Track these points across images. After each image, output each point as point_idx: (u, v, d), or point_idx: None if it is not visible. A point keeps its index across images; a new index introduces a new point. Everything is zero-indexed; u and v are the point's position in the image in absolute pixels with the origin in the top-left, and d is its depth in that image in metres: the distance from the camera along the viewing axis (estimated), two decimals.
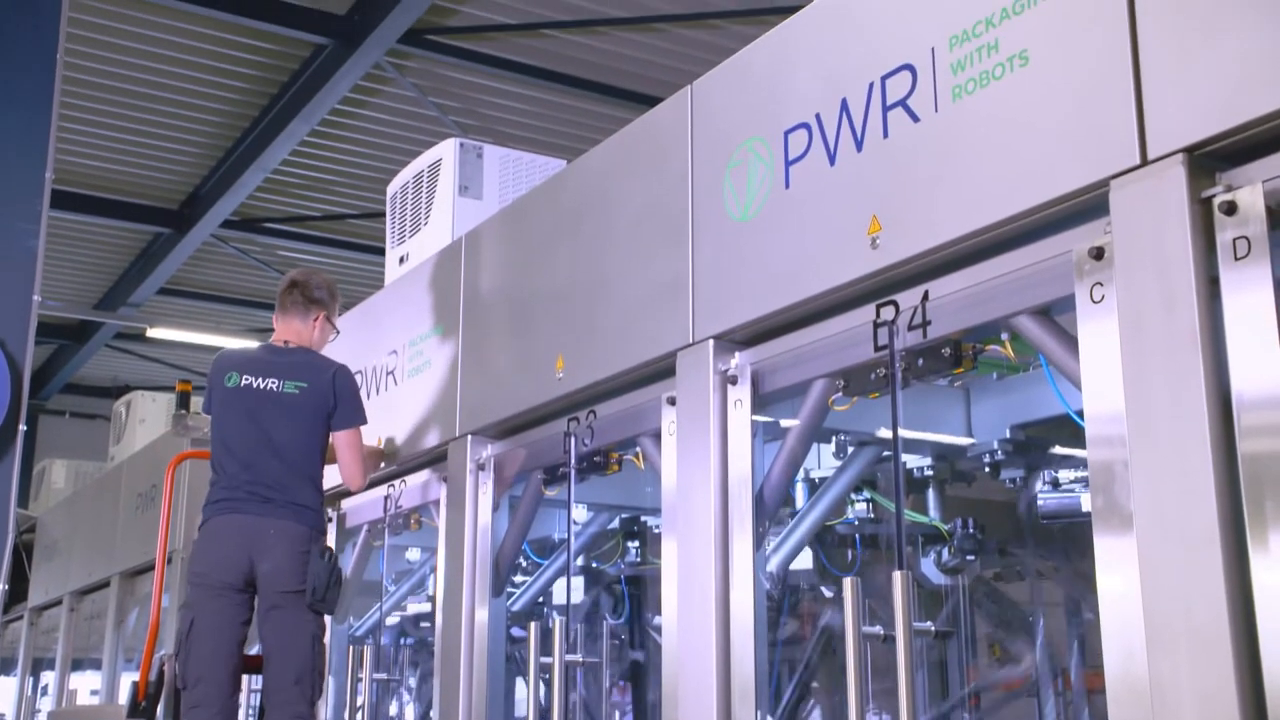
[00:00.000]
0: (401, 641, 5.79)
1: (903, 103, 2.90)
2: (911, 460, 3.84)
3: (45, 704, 11.02)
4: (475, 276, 4.77)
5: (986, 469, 3.71)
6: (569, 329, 4.08)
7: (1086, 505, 3.13)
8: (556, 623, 4.00)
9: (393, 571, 5.70)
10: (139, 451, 9.60)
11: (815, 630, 3.94)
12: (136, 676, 5.15)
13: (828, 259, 3.07)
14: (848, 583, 2.93)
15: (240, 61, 9.39)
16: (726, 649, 3.27)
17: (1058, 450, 3.61)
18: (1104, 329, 2.44)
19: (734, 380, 3.39)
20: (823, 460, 3.91)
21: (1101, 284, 2.46)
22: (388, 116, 10.22)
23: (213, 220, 11.51)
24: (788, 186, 3.21)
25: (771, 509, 3.41)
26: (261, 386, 4.57)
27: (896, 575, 2.80)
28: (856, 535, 3.88)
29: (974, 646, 3.96)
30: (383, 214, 6.17)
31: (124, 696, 6.51)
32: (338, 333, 4.96)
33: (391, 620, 5.66)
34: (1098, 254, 2.47)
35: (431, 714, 4.74)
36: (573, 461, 4.14)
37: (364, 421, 4.71)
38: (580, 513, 4.79)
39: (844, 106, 3.06)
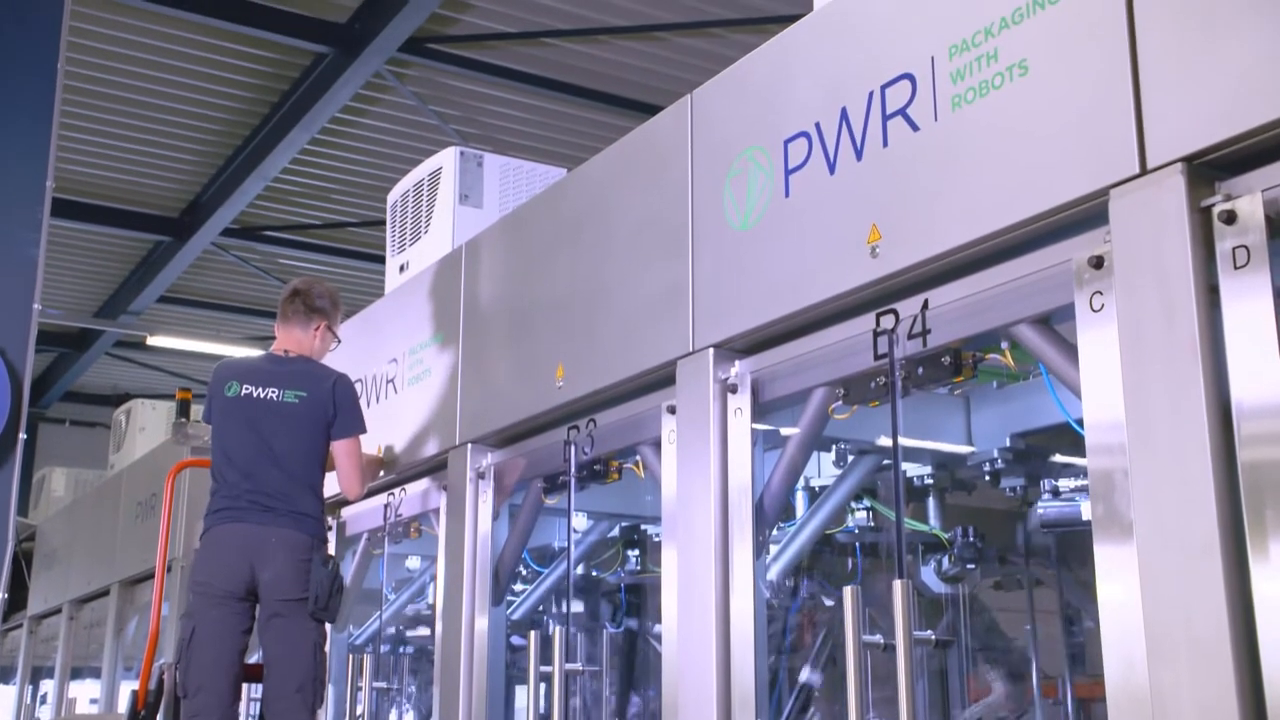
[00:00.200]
0: (401, 650, 5.78)
1: (902, 112, 2.90)
2: (911, 469, 3.84)
3: (45, 713, 11.00)
4: (475, 285, 4.77)
5: (986, 477, 3.71)
6: (569, 337, 4.09)
7: (1087, 514, 3.13)
8: (556, 631, 3.99)
9: (392, 580, 5.70)
10: (139, 460, 9.60)
11: (816, 638, 3.94)
12: (136, 685, 5.14)
13: (828, 268, 3.08)
14: (848, 591, 2.93)
15: (241, 70, 9.40)
16: (726, 658, 3.27)
17: (1058, 459, 3.61)
18: (1104, 338, 2.44)
19: (734, 389, 3.39)
20: (823, 469, 3.91)
21: (1101, 293, 2.46)
22: (388, 125, 10.22)
23: (213, 228, 11.51)
24: (788, 195, 3.22)
25: (771, 518, 3.41)
26: (262, 396, 4.58)
27: (897, 584, 2.81)
28: (857, 544, 3.88)
29: (974, 655, 3.96)
30: (383, 222, 6.17)
31: (123, 705, 6.50)
32: (339, 342, 4.96)
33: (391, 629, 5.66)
34: (1097, 263, 2.47)
35: None
36: (573, 470, 4.14)
37: (363, 431, 4.71)
38: (580, 521, 4.79)
39: (844, 115, 3.06)
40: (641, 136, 3.94)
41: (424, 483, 5.08)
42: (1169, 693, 2.20)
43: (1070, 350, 2.60)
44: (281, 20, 8.59)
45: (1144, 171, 2.36)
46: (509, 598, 4.70)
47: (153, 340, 13.71)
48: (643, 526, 4.91)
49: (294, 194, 11.53)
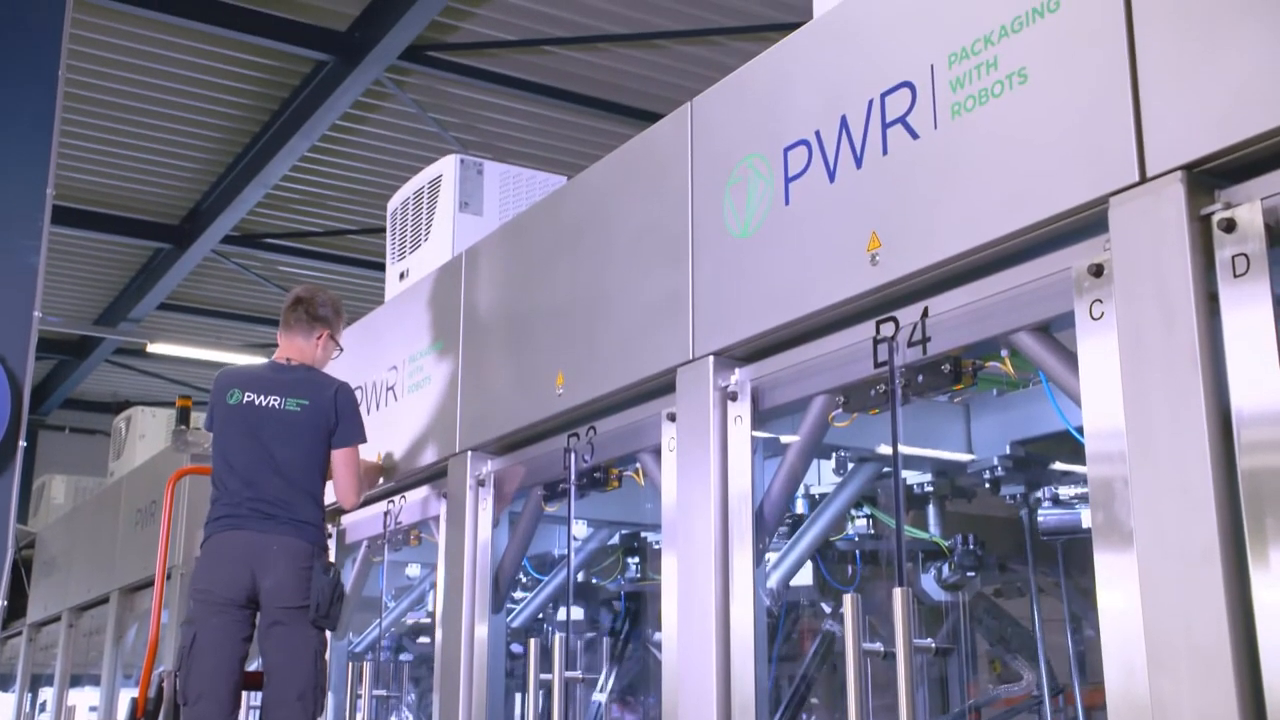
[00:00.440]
0: (400, 657, 5.78)
1: (902, 120, 2.91)
2: (912, 476, 3.84)
3: None
4: (475, 292, 4.78)
5: (987, 485, 3.71)
6: (569, 345, 4.09)
7: (1087, 521, 3.13)
8: (556, 639, 3.99)
9: (392, 587, 5.70)
10: (139, 467, 9.60)
11: (815, 645, 3.94)
12: (135, 693, 5.14)
13: (827, 275, 3.08)
14: (848, 599, 2.93)
15: (241, 78, 9.41)
16: (727, 665, 3.26)
17: (1058, 466, 3.61)
18: (1103, 345, 2.44)
19: (734, 396, 3.39)
20: (823, 476, 3.91)
21: (1101, 301, 2.46)
22: (388, 132, 10.24)
23: (213, 236, 11.53)
24: (787, 203, 3.22)
25: (771, 525, 3.41)
26: (263, 404, 4.58)
27: (897, 592, 2.80)
28: (857, 551, 3.88)
29: (974, 663, 3.96)
30: (383, 229, 6.18)
31: (123, 713, 6.49)
32: (342, 350, 4.96)
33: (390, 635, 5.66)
34: (1097, 271, 2.47)
35: None
36: (573, 477, 4.14)
37: (363, 440, 4.72)
38: (580, 529, 4.79)
39: (843, 123, 3.07)
40: (641, 144, 3.94)
41: (424, 490, 5.07)
42: (1169, 701, 2.20)
43: (1070, 358, 2.60)
44: (282, 28, 8.61)
45: (1143, 179, 2.36)
46: (509, 605, 4.70)
47: (153, 347, 13.71)
48: (643, 534, 4.91)
49: (294, 201, 11.54)
